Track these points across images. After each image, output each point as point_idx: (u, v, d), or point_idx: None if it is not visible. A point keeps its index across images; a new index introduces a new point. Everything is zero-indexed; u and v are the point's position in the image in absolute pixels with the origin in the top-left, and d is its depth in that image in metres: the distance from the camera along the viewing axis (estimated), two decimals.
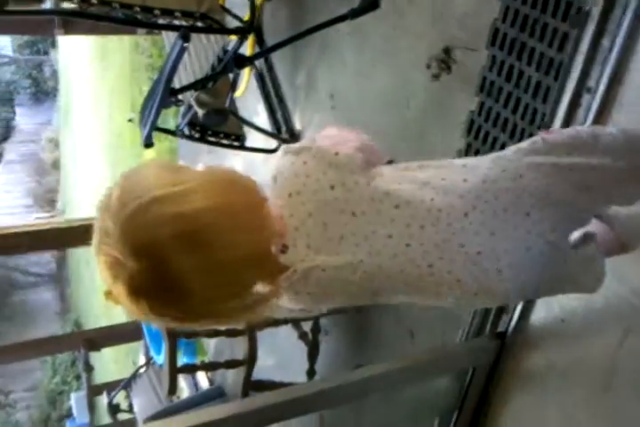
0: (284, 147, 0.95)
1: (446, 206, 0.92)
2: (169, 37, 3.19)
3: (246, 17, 2.52)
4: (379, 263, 0.92)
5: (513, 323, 1.68)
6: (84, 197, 9.84)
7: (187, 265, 0.80)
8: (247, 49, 2.94)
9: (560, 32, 1.56)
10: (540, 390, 1.66)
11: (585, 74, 1.42)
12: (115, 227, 0.79)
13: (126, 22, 2.51)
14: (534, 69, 1.66)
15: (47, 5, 2.75)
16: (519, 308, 1.66)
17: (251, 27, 2.49)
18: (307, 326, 2.65)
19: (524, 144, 1.04)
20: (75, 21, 3.81)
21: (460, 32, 1.91)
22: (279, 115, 2.90)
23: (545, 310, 1.62)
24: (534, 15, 1.63)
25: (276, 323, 2.65)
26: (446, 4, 1.93)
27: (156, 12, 2.30)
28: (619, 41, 1.34)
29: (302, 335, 2.67)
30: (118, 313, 7.60)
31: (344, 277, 0.92)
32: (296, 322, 2.67)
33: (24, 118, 14.64)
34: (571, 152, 1.00)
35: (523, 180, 0.96)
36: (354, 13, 2.19)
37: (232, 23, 2.64)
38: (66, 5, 2.60)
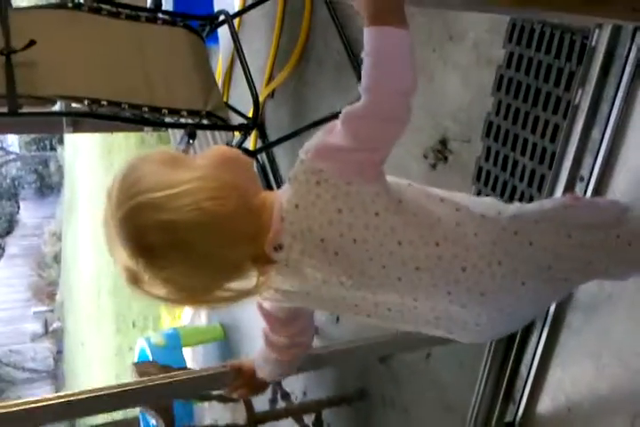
0: (305, 153, 0.93)
1: (449, 256, 0.93)
2: (174, 134, 3.31)
3: (250, 113, 2.63)
4: (367, 283, 0.95)
5: (520, 412, 1.65)
6: (83, 291, 9.80)
7: (176, 268, 0.87)
8: (250, 143, 3.05)
9: (551, 124, 1.64)
10: None
11: (577, 163, 1.47)
12: (112, 223, 0.88)
13: (135, 121, 2.60)
14: (528, 159, 1.72)
15: (57, 107, 2.86)
16: (525, 397, 1.64)
17: (254, 123, 2.59)
18: (308, 420, 2.59)
19: (549, 205, 1.04)
20: (83, 120, 3.95)
21: (454, 125, 2.00)
22: None
23: (551, 400, 1.59)
24: (526, 108, 1.71)
25: (277, 416, 2.59)
26: (440, 101, 2.03)
27: (164, 111, 2.39)
28: (608, 132, 1.40)
29: None
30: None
31: (322, 291, 0.97)
32: (297, 416, 2.60)
33: (28, 212, 14.83)
34: (588, 228, 1.01)
35: (531, 248, 0.96)
36: None
37: (236, 119, 2.75)
38: (75, 106, 2.72)
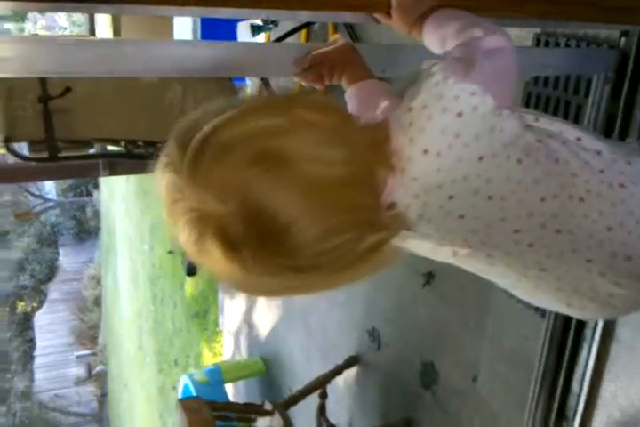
0: (440, 69, 0.68)
1: (595, 214, 0.75)
2: None
3: None
4: (488, 253, 0.76)
5: None
6: (125, 333, 9.86)
7: (276, 193, 0.61)
8: None
9: None
10: None
11: None
12: (181, 177, 0.62)
13: None
14: None
15: (94, 150, 2.93)
16: (579, 414, 1.60)
17: None
18: None
19: None
20: (119, 162, 4.02)
21: None
22: None
23: (605, 415, 1.56)
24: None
25: None
26: None
27: None
28: None
29: None
30: None
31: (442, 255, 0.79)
32: None
33: (67, 258, 15.09)
34: None
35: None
36: None
37: None
38: (111, 148, 2.79)
